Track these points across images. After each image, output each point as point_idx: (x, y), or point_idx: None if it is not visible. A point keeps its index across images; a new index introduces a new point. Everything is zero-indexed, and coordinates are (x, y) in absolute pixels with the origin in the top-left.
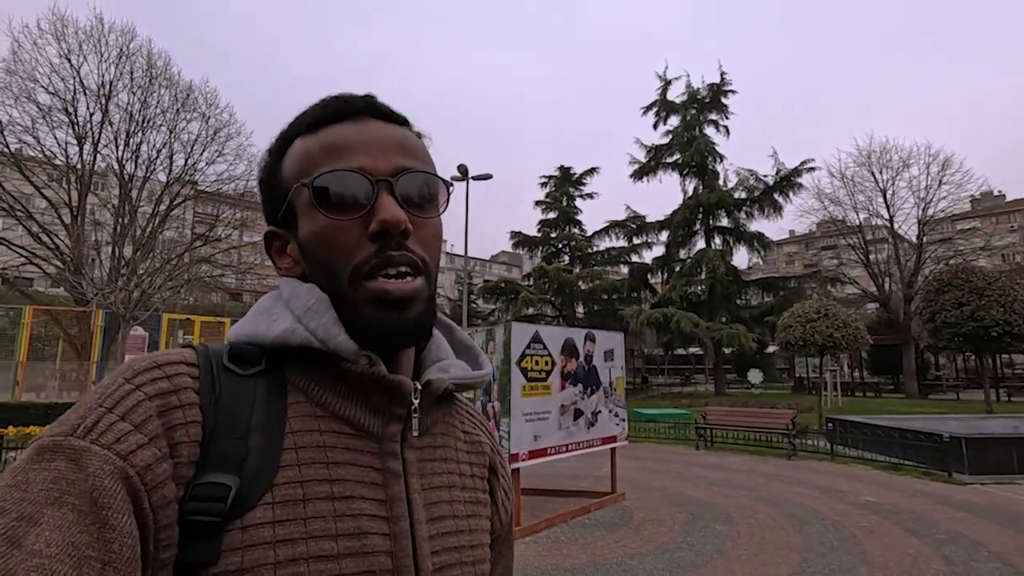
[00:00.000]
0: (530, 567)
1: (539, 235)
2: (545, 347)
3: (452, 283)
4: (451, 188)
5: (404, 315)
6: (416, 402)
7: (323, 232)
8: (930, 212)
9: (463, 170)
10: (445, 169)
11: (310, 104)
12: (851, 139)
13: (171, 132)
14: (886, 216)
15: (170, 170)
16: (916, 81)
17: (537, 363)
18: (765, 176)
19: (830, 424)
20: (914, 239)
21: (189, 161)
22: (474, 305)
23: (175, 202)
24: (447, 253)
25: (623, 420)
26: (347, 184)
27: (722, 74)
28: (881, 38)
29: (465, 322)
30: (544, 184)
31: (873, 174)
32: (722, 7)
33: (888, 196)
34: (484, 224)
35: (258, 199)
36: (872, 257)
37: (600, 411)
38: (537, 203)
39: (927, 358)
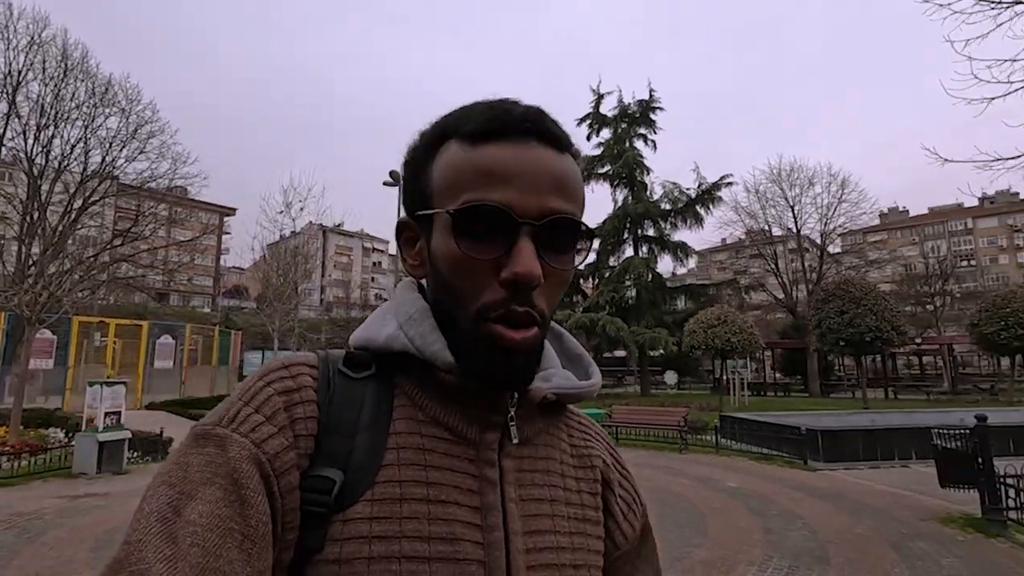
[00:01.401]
0: None
1: None
2: None
3: (392, 286)
4: (594, 237)
5: (513, 361)
6: (513, 410)
7: (455, 261)
8: (830, 227)
9: (396, 176)
10: (378, 175)
11: (473, 102)
12: (767, 156)
13: (87, 127)
14: (794, 229)
15: (85, 166)
16: (827, 108)
17: None
18: (688, 189)
19: (719, 421)
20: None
21: (107, 158)
22: None
23: (91, 198)
24: (388, 255)
25: None
26: (490, 220)
27: (651, 91)
28: (798, 62)
29: None
30: None
31: (783, 190)
32: (672, 17)
33: (796, 211)
34: None
35: (186, 197)
36: (784, 266)
37: None
38: None
39: (831, 360)
